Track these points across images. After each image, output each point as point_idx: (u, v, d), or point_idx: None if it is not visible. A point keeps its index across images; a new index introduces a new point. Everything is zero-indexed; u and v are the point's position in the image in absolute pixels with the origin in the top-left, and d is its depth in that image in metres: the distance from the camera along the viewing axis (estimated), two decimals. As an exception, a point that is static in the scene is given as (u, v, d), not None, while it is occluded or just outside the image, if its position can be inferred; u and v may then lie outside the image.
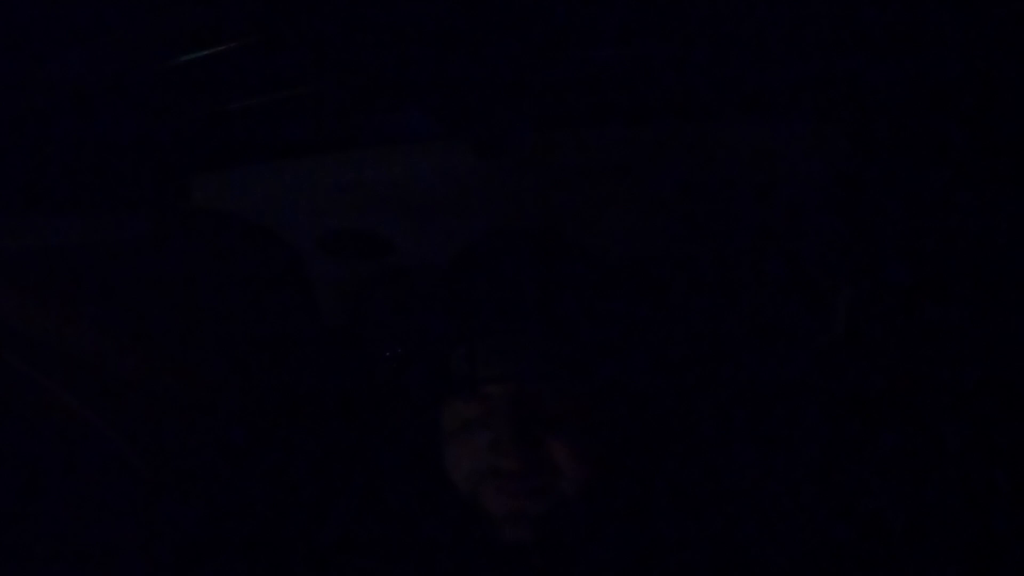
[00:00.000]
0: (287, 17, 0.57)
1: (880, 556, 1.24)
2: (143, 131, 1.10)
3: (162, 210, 1.35)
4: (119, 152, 1.15)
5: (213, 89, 0.97)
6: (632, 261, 1.65)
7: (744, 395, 1.78)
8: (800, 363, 1.36)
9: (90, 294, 1.32)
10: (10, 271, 1.20)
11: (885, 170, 1.16)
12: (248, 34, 0.78)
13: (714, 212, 1.42)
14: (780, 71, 0.96)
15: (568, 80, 1.01)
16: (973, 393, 1.19)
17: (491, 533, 0.87)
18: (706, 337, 2.04)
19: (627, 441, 0.99)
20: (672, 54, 0.93)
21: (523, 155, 1.18)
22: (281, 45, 0.81)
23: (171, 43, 0.81)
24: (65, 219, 1.22)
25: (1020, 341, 1.10)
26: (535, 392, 0.83)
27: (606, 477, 0.90)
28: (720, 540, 0.94)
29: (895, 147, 1.09)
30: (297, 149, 1.25)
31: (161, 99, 0.99)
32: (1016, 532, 1.06)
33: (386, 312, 1.42)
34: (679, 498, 0.98)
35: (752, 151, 1.16)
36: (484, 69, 0.96)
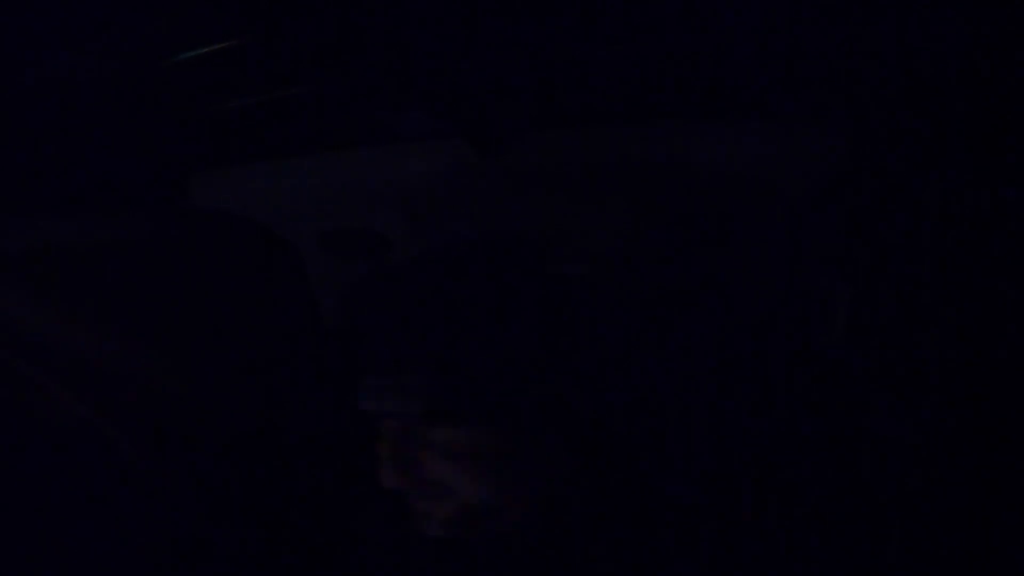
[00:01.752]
0: (287, 16, 0.57)
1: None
2: (143, 130, 1.10)
3: (162, 209, 1.35)
4: (118, 151, 1.15)
5: (213, 88, 0.97)
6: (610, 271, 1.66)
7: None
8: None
9: (89, 294, 1.32)
10: (9, 271, 1.20)
11: (884, 169, 1.16)
12: (248, 33, 0.79)
13: (710, 213, 1.42)
14: (779, 71, 0.97)
15: (568, 80, 1.01)
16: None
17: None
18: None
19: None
20: (671, 54, 0.93)
21: (523, 155, 1.18)
22: (281, 44, 0.81)
23: (171, 42, 0.81)
24: (64, 219, 1.22)
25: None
26: (416, 425, 0.84)
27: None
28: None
29: (894, 147, 1.10)
30: (297, 148, 1.25)
31: (161, 98, 0.99)
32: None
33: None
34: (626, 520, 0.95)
35: (751, 151, 1.17)
36: (484, 69, 0.96)
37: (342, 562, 0.98)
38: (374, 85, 0.77)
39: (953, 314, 1.13)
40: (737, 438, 1.45)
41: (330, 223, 1.52)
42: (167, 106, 1.03)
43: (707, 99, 1.09)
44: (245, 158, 1.28)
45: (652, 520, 0.93)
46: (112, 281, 1.37)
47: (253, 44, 0.80)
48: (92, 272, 1.32)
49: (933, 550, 1.15)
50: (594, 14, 0.83)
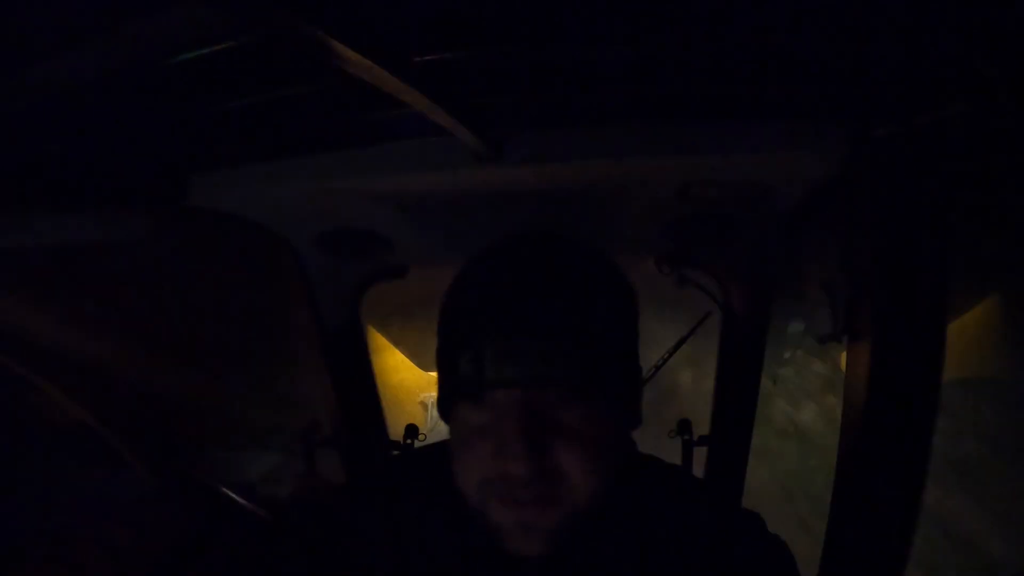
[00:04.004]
0: (286, 16, 0.57)
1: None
2: (141, 130, 1.10)
3: (160, 209, 1.35)
4: (117, 151, 1.15)
5: (212, 88, 0.97)
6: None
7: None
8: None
9: (88, 293, 1.32)
10: (7, 270, 1.20)
11: (883, 170, 1.16)
12: (247, 33, 0.78)
13: (711, 213, 1.42)
14: (780, 72, 0.96)
15: (568, 80, 1.01)
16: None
17: (500, 549, 0.85)
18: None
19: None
20: (670, 55, 0.93)
21: (523, 155, 1.18)
22: (280, 44, 0.81)
23: (170, 42, 0.81)
24: (63, 218, 1.22)
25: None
26: (543, 398, 0.79)
27: (617, 490, 0.88)
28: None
29: (893, 148, 1.10)
30: (295, 148, 1.25)
31: (159, 98, 0.98)
32: None
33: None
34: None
35: (750, 151, 1.17)
36: (485, 68, 0.96)
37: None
38: (372, 85, 0.76)
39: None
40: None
41: (328, 222, 1.52)
42: (166, 106, 1.02)
43: (706, 99, 1.09)
44: (243, 158, 1.28)
45: None
46: (110, 281, 1.37)
47: (252, 44, 0.80)
48: (89, 272, 1.32)
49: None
50: (593, 14, 0.82)
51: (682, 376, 6.49)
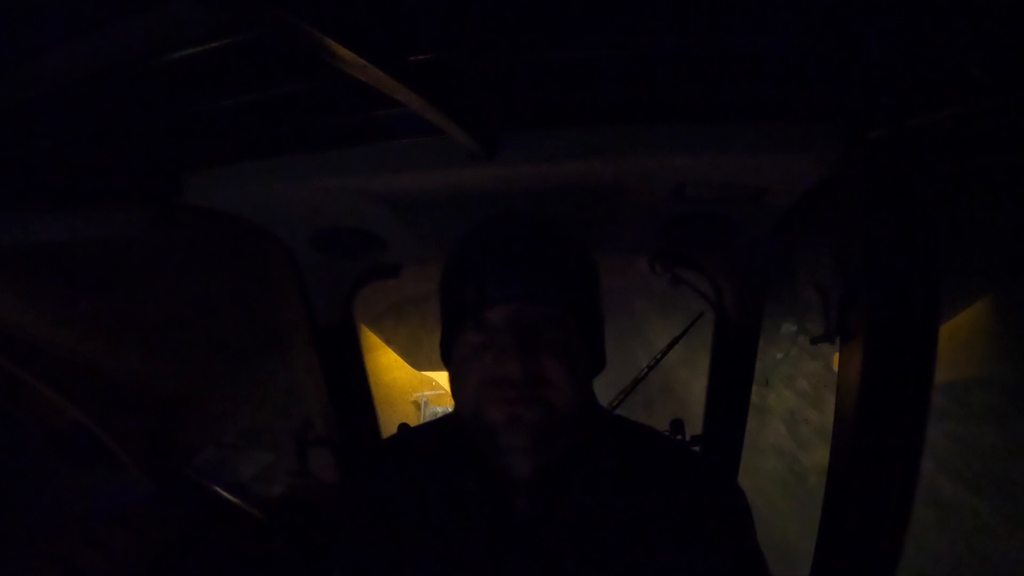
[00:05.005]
0: (281, 14, 0.57)
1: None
2: (135, 128, 1.10)
3: (154, 207, 1.34)
4: (111, 149, 1.15)
5: (206, 86, 0.96)
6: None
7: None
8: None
9: (81, 291, 1.31)
10: (3, 268, 1.20)
11: (876, 172, 1.16)
12: (242, 31, 0.78)
13: (705, 213, 1.42)
14: (774, 74, 0.97)
15: (563, 80, 1.01)
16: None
17: (495, 475, 1.03)
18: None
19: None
20: (665, 55, 0.93)
21: (517, 155, 1.18)
22: (275, 43, 0.81)
23: (165, 40, 0.81)
24: (58, 216, 1.22)
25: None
26: (532, 315, 0.97)
27: (592, 434, 1.06)
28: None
29: (886, 150, 1.10)
30: (290, 147, 1.24)
31: (154, 96, 0.98)
32: None
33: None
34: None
35: (745, 153, 1.17)
36: (479, 68, 0.96)
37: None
38: (369, 84, 0.76)
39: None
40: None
41: (323, 221, 1.52)
42: (161, 104, 1.02)
43: (704, 100, 1.09)
44: (238, 156, 1.27)
45: None
46: (103, 279, 1.37)
47: (248, 42, 0.80)
48: (82, 270, 1.32)
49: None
50: (593, 15, 0.83)
51: (676, 375, 6.50)
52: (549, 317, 0.98)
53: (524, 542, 1.00)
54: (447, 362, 1.07)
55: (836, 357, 1.35)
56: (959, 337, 4.56)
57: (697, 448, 1.95)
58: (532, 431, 0.97)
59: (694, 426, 1.97)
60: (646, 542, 0.99)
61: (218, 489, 1.81)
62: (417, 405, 7.48)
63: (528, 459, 1.01)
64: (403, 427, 1.93)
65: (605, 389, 1.07)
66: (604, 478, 1.03)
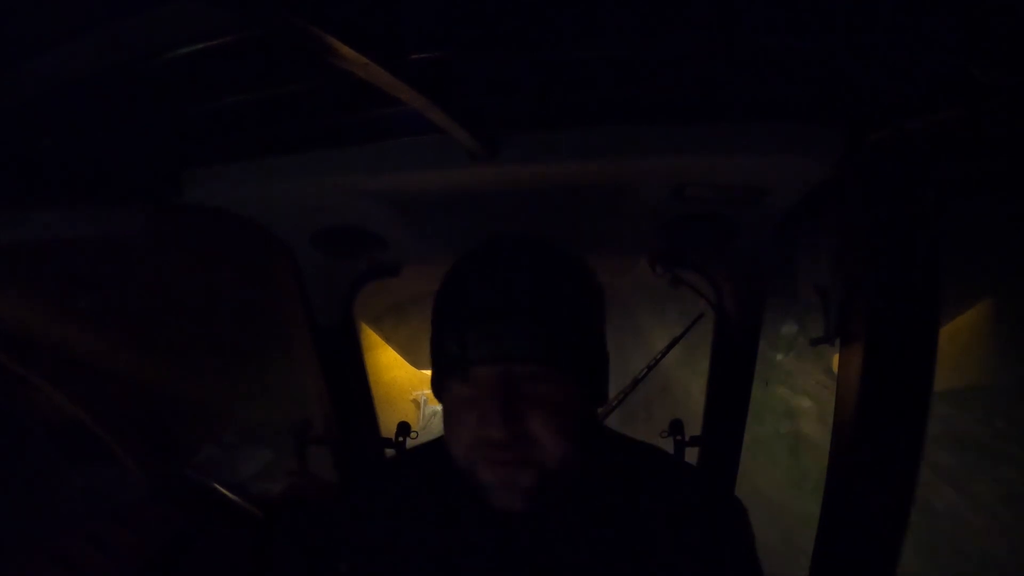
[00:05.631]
0: (283, 12, 0.57)
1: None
2: (137, 126, 1.10)
3: (155, 206, 1.34)
4: (112, 147, 1.15)
5: (207, 84, 0.96)
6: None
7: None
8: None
9: (80, 289, 1.31)
10: (3, 266, 1.20)
11: (876, 174, 1.16)
12: (244, 29, 0.78)
13: (705, 214, 1.42)
14: (775, 75, 0.97)
15: (564, 80, 1.01)
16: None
17: (489, 509, 0.98)
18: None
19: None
20: (666, 56, 0.93)
21: (517, 155, 1.18)
22: (277, 41, 0.81)
23: (166, 38, 0.81)
24: (58, 214, 1.22)
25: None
26: (517, 373, 0.93)
27: (590, 458, 1.03)
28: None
29: (886, 151, 1.10)
30: (290, 145, 1.24)
31: (155, 94, 0.98)
32: None
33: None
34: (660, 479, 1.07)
35: (745, 153, 1.17)
36: (481, 67, 0.96)
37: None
38: (370, 83, 0.76)
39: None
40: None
41: (324, 220, 1.52)
42: (162, 103, 1.02)
43: (704, 100, 1.09)
44: (239, 154, 1.28)
45: None
46: (103, 277, 1.37)
47: (249, 41, 0.80)
48: (84, 268, 1.32)
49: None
50: (593, 15, 0.83)
51: (676, 376, 6.51)
52: (538, 374, 0.93)
53: (523, 571, 0.99)
54: (439, 397, 1.04)
55: (836, 359, 1.35)
56: (959, 339, 4.57)
57: (696, 448, 1.95)
58: (525, 493, 0.94)
59: (693, 427, 1.96)
60: (646, 566, 0.97)
61: (218, 487, 1.81)
62: (417, 404, 7.48)
63: (525, 507, 0.97)
64: (402, 425, 1.93)
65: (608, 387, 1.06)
66: (603, 502, 1.02)
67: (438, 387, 1.03)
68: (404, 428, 1.92)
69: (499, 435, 0.91)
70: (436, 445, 1.15)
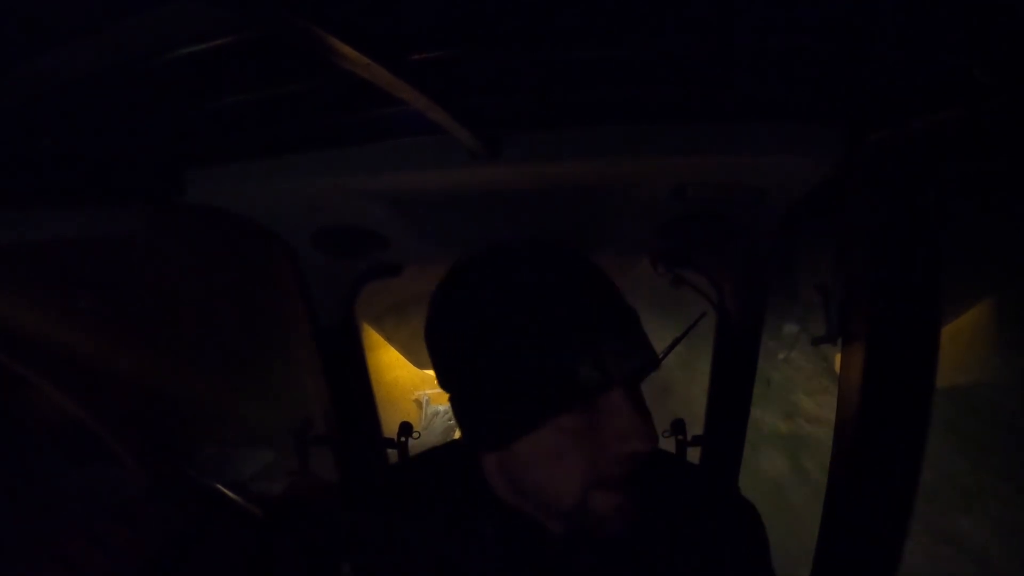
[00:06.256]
0: (283, 12, 0.57)
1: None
2: (137, 126, 1.10)
3: (156, 206, 1.34)
4: (113, 147, 1.15)
5: (208, 85, 0.96)
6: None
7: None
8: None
9: (82, 289, 1.31)
10: (3, 266, 1.20)
11: (878, 173, 1.16)
12: (244, 29, 0.78)
13: (707, 213, 1.42)
14: (776, 74, 0.97)
15: (565, 79, 1.01)
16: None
17: (520, 535, 0.94)
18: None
19: None
20: (667, 56, 0.93)
21: (519, 154, 1.18)
22: (277, 41, 0.81)
23: (166, 38, 0.81)
24: (59, 214, 1.22)
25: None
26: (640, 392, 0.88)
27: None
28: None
29: (888, 151, 1.10)
30: (292, 145, 1.24)
31: (156, 94, 0.98)
32: None
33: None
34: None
35: (746, 153, 1.17)
36: (482, 67, 0.96)
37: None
38: (371, 83, 0.76)
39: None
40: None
41: (325, 219, 1.52)
42: (163, 102, 1.02)
43: (704, 100, 1.09)
44: (240, 154, 1.28)
45: None
46: (104, 277, 1.37)
47: (250, 41, 0.80)
48: (84, 268, 1.32)
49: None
50: (593, 14, 0.83)
51: (677, 376, 6.51)
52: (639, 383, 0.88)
53: None
54: (511, 440, 0.88)
55: (838, 358, 1.35)
56: (961, 339, 4.57)
57: (699, 448, 1.96)
58: (631, 516, 0.88)
59: (695, 427, 1.96)
60: (658, 569, 0.94)
61: (219, 487, 1.81)
62: (419, 403, 7.49)
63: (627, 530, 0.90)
64: (404, 425, 1.93)
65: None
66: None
67: (515, 426, 0.87)
68: (406, 428, 1.93)
69: (648, 447, 0.84)
70: (436, 460, 1.10)
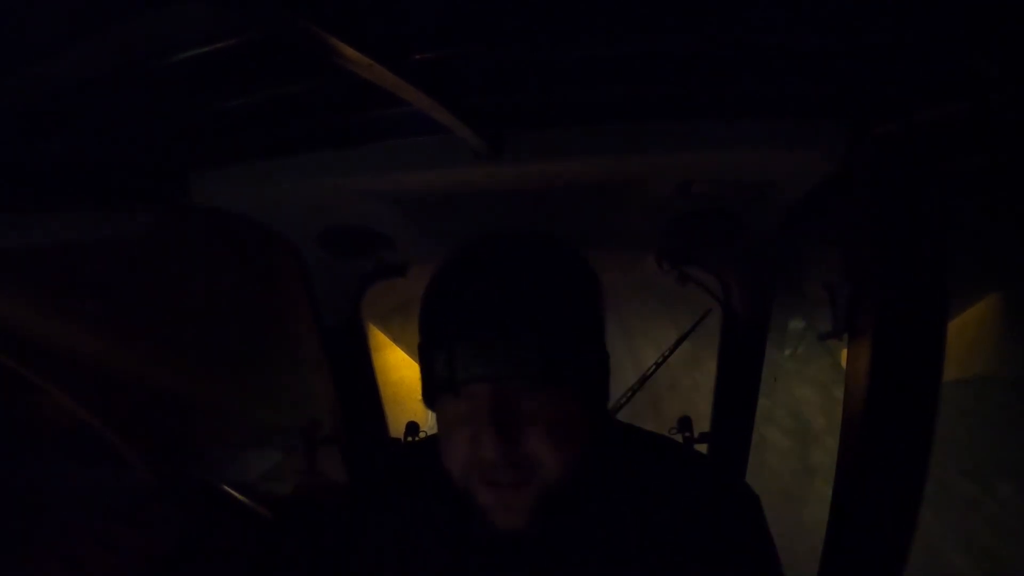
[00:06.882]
0: (287, 14, 0.57)
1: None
2: (142, 128, 1.10)
3: (161, 208, 1.35)
4: (118, 150, 1.15)
5: (212, 86, 0.97)
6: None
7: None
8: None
9: (88, 292, 1.31)
10: (7, 270, 1.20)
11: (883, 168, 1.16)
12: (248, 31, 0.78)
13: (712, 210, 1.42)
14: (780, 70, 0.96)
15: (569, 77, 1.01)
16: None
17: (490, 526, 0.93)
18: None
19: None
20: (671, 52, 0.93)
21: (523, 153, 1.18)
22: (281, 42, 0.81)
23: (170, 40, 0.81)
24: (65, 217, 1.22)
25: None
26: (511, 389, 0.87)
27: (594, 464, 0.97)
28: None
29: (893, 146, 1.10)
30: (296, 146, 1.24)
31: (160, 96, 0.98)
32: None
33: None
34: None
35: (751, 149, 1.17)
36: (485, 66, 0.96)
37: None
38: (374, 84, 0.76)
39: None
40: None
41: (330, 220, 1.52)
42: (167, 105, 1.02)
43: (705, 99, 1.09)
44: (245, 156, 1.28)
45: None
46: (110, 279, 1.37)
47: (253, 42, 0.80)
48: (90, 271, 1.32)
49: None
50: (594, 13, 0.82)
51: (683, 373, 6.50)
52: (531, 388, 0.87)
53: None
54: (431, 409, 0.97)
55: (844, 353, 1.35)
56: (967, 333, 4.55)
57: (705, 445, 1.95)
58: (527, 513, 0.90)
59: (702, 423, 1.96)
60: (658, 566, 0.94)
61: (226, 488, 1.81)
62: (424, 403, 7.47)
63: (527, 527, 0.92)
64: (411, 425, 1.93)
65: (611, 388, 1.02)
66: (611, 505, 0.98)
67: (428, 399, 0.97)
68: (413, 428, 1.93)
69: (493, 456, 0.86)
70: (426, 449, 1.10)
